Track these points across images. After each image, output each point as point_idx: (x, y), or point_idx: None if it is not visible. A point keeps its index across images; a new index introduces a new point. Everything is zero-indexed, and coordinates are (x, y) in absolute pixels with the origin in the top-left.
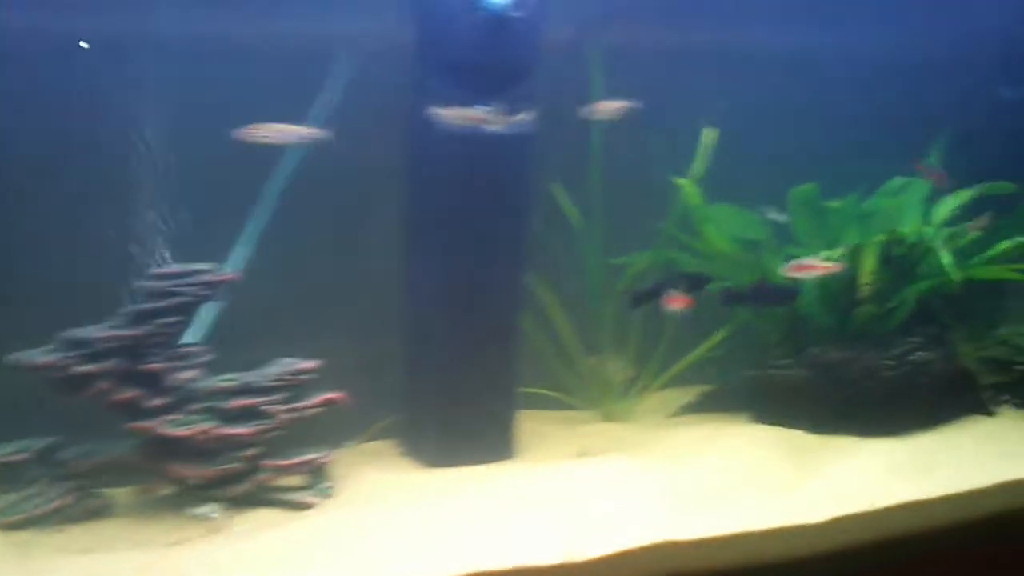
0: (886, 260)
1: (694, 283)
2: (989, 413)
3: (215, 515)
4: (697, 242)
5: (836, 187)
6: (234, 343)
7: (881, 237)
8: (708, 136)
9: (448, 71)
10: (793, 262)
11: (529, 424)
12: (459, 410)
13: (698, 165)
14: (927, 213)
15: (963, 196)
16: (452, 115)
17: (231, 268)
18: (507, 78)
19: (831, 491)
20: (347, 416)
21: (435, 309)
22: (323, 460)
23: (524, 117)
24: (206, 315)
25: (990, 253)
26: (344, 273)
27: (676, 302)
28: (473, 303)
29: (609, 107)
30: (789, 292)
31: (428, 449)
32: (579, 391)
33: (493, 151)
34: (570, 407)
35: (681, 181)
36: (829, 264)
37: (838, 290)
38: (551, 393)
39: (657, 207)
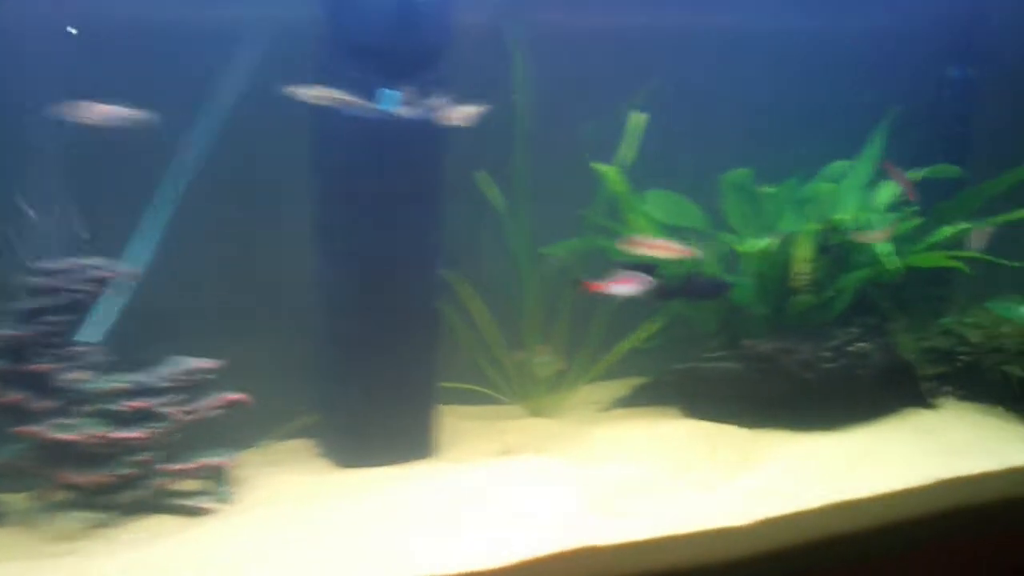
0: (822, 248)
1: (710, 288)
2: (930, 405)
3: (108, 523)
4: (625, 230)
5: (778, 171)
6: (135, 342)
7: (814, 226)
8: (636, 120)
9: (352, 54)
10: (634, 238)
11: (452, 420)
12: (374, 408)
13: (626, 150)
14: (868, 198)
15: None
16: (317, 95)
17: (128, 263)
18: (416, 61)
19: (759, 490)
20: (266, 413)
21: (346, 302)
22: (223, 464)
23: (436, 102)
24: (104, 313)
25: (931, 239)
26: (255, 266)
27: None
28: (386, 296)
29: (465, 113)
30: (720, 286)
31: (343, 449)
32: (506, 385)
33: (403, 138)
34: (497, 402)
35: (603, 168)
36: (677, 247)
37: (774, 279)
38: (476, 388)
39: (588, 194)
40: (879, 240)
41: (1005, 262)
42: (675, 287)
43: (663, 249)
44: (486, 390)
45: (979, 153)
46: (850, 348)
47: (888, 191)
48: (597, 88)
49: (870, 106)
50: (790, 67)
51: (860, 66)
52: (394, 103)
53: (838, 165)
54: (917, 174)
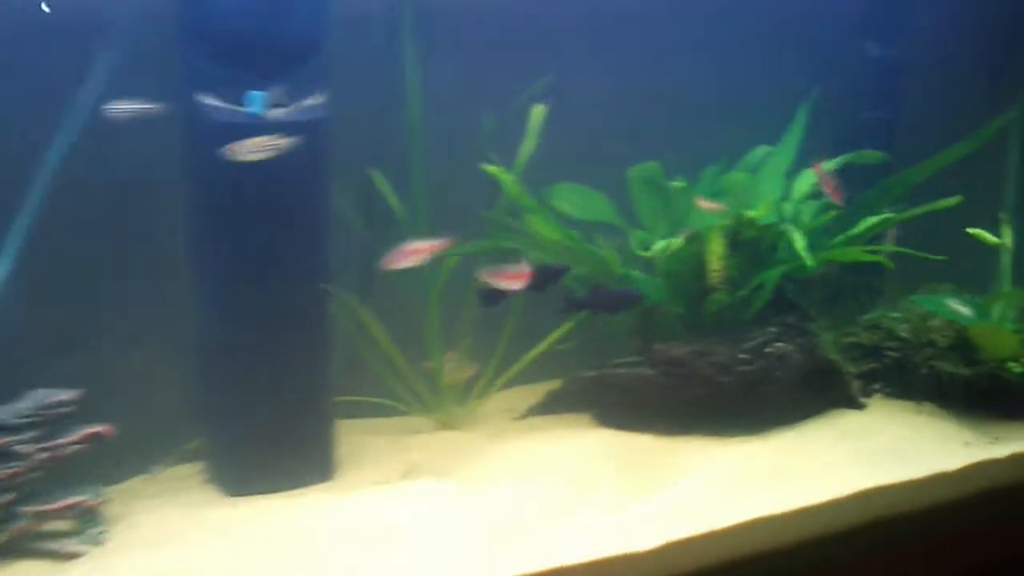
0: (735, 244)
1: (549, 274)
2: (858, 405)
3: None
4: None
5: (697, 159)
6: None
7: (721, 222)
8: (537, 113)
9: (218, 50)
10: (401, 249)
11: (356, 437)
12: (262, 428)
13: (527, 145)
14: (787, 188)
15: (825, 167)
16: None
17: None
18: (289, 56)
19: (671, 508)
20: (154, 437)
21: (225, 315)
22: (90, 502)
23: (313, 101)
24: None
25: (854, 231)
26: (136, 282)
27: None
28: (269, 309)
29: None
30: (627, 297)
31: (232, 475)
32: (414, 396)
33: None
34: (406, 414)
35: (493, 169)
36: (432, 243)
37: (686, 277)
38: (382, 400)
39: (489, 192)
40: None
41: (927, 256)
42: (580, 300)
43: (421, 252)
44: (393, 403)
45: (906, 137)
46: (768, 349)
47: (808, 179)
48: (498, 78)
49: (792, 87)
50: (705, 48)
51: (780, 45)
52: (262, 105)
53: (759, 151)
54: (836, 161)
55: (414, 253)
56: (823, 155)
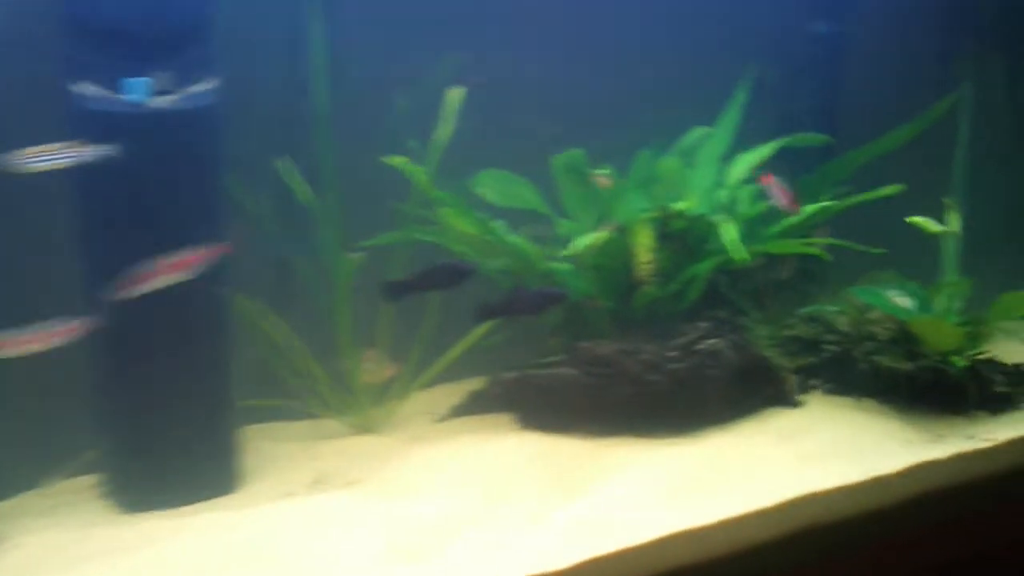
0: (664, 236)
1: (455, 273)
2: (795, 403)
3: None
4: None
5: (631, 143)
6: None
7: (647, 214)
8: (453, 96)
9: (93, 33)
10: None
11: (265, 444)
12: (157, 440)
13: (443, 130)
14: (723, 173)
15: (763, 151)
16: None
17: None
18: (174, 39)
19: (592, 520)
20: (51, 448)
21: (117, 318)
22: None
23: (202, 87)
24: None
25: (791, 220)
26: (25, 281)
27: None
28: (159, 312)
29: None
30: (551, 296)
31: (128, 489)
32: (328, 398)
33: (163, 131)
34: (320, 417)
35: (396, 160)
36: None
37: (613, 271)
38: (294, 404)
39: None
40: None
41: (864, 248)
42: (497, 305)
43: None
44: (305, 406)
45: (849, 119)
46: (699, 346)
47: (744, 163)
48: (418, 57)
49: (731, 66)
50: (639, 25)
51: (718, 22)
52: (143, 92)
53: (695, 133)
54: (774, 144)
55: (174, 267)
56: (769, 168)
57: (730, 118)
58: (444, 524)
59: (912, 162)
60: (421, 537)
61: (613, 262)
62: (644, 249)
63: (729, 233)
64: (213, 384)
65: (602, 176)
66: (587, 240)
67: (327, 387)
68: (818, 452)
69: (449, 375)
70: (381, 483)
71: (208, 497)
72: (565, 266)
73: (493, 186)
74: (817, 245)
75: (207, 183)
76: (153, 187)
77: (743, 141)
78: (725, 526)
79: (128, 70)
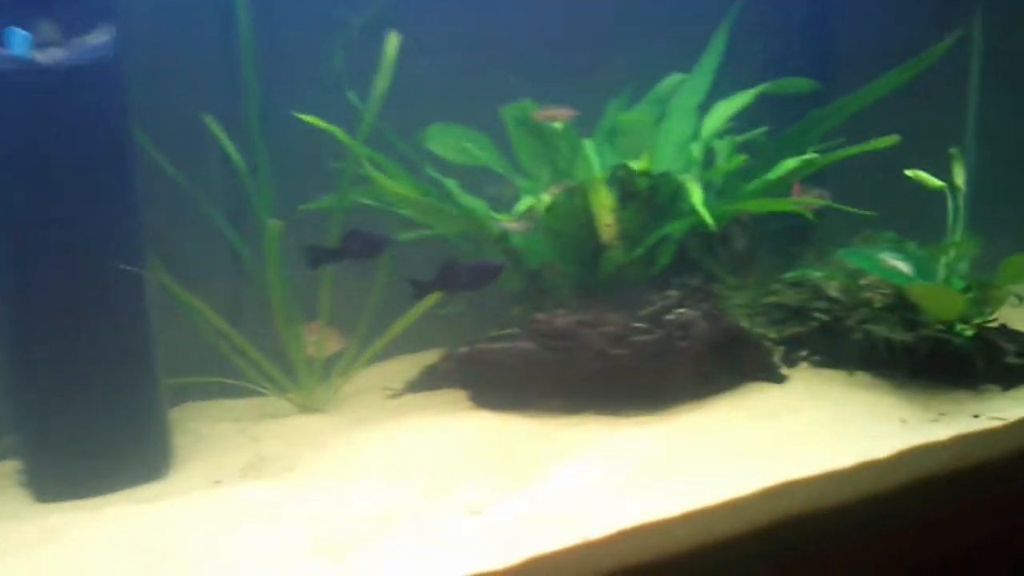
0: (630, 195)
1: (371, 243)
2: (778, 378)
3: None
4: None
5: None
6: None
7: (599, 174)
8: (391, 45)
9: None
10: None
11: (202, 425)
12: (74, 425)
13: (380, 81)
14: (700, 124)
15: (742, 99)
16: None
17: None
18: None
19: (541, 512)
20: None
21: (20, 299)
22: None
23: (97, 37)
24: None
25: (772, 175)
26: None
27: None
28: (69, 288)
29: None
30: (489, 268)
31: (46, 476)
32: (272, 375)
33: (53, 90)
34: (263, 395)
35: (310, 118)
36: None
37: (572, 235)
38: (237, 382)
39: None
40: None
41: (853, 210)
42: (430, 280)
43: None
44: (248, 384)
45: (843, 61)
46: (668, 316)
47: (722, 113)
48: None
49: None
50: None
51: None
52: (25, 45)
53: (672, 80)
54: (755, 91)
55: None
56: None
57: (707, 64)
58: (378, 515)
59: (921, 110)
60: (350, 531)
61: (571, 225)
62: (605, 210)
63: (695, 194)
64: (133, 365)
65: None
66: (530, 201)
67: (269, 364)
68: (801, 433)
69: (409, 346)
70: (318, 469)
71: (131, 484)
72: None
73: (445, 141)
74: (801, 204)
75: (111, 144)
76: (49, 150)
77: (725, 88)
78: (691, 518)
79: (7, 19)
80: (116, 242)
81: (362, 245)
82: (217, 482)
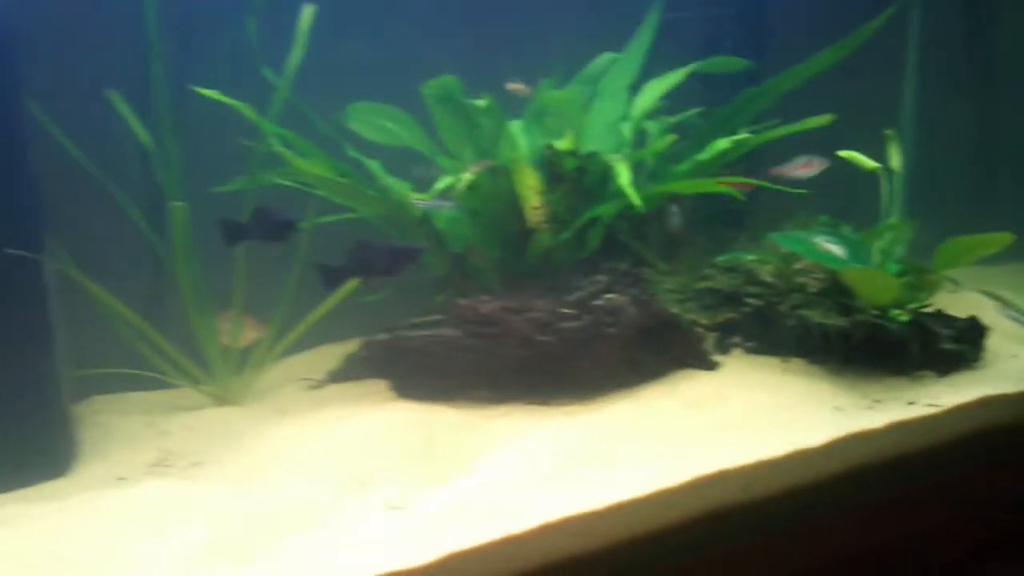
0: (555, 177)
1: (277, 224)
2: (710, 365)
3: None
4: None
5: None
6: None
7: (514, 154)
8: (306, 14)
9: None
10: None
11: (111, 418)
12: None
13: (295, 54)
14: (631, 104)
15: (673, 78)
16: None
17: None
18: None
19: (462, 506)
20: None
21: None
22: None
23: None
24: None
25: (703, 156)
26: None
27: None
28: None
29: None
30: (406, 252)
31: None
32: (184, 366)
33: None
34: (177, 387)
35: (210, 92)
36: None
37: (496, 217)
38: (148, 373)
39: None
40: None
41: (785, 189)
42: (341, 267)
43: None
44: (160, 375)
45: (777, 41)
46: (597, 301)
47: (652, 92)
48: None
49: None
50: None
51: None
52: None
53: (604, 59)
54: (686, 70)
55: None
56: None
57: (639, 43)
58: (290, 513)
59: (860, 93)
60: (258, 530)
61: (495, 206)
62: (531, 192)
63: (623, 174)
64: (30, 356)
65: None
66: (449, 180)
67: (179, 354)
68: (732, 421)
69: (334, 335)
70: (227, 464)
71: (30, 482)
72: (447, 211)
73: (367, 120)
74: (732, 185)
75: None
76: None
77: (660, 68)
78: (620, 510)
79: None
80: (6, 225)
81: (267, 226)
82: (121, 479)
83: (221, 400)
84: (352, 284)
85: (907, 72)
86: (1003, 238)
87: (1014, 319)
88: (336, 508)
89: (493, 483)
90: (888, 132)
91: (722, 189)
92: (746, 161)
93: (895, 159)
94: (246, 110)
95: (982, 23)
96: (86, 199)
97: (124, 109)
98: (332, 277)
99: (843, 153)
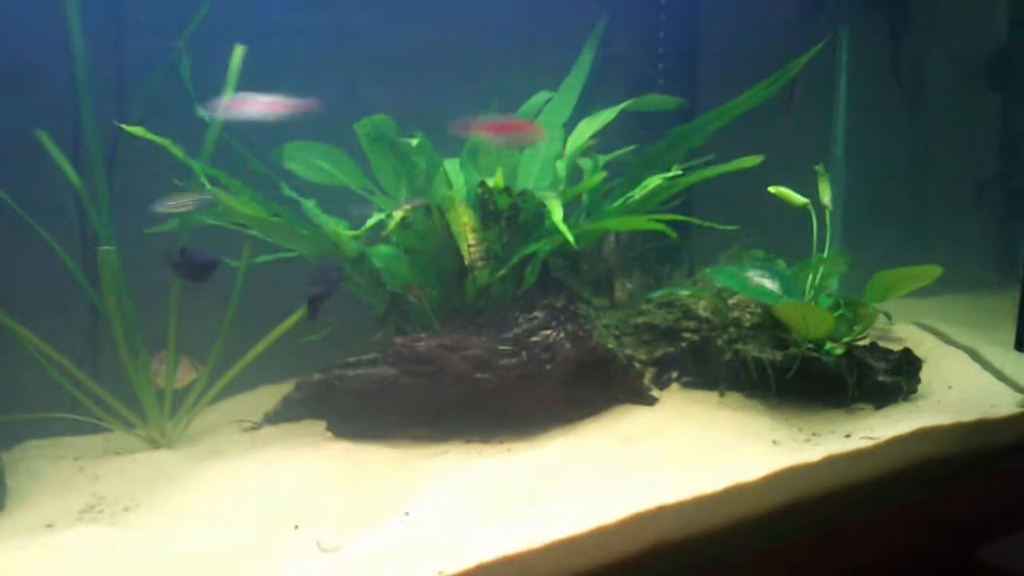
0: (490, 215)
1: (200, 264)
2: (647, 400)
3: None
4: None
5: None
6: None
7: (449, 192)
8: (237, 56)
9: None
10: None
11: (43, 464)
12: None
13: (228, 93)
14: (565, 142)
15: (605, 116)
16: None
17: None
18: None
19: (392, 547)
20: None
21: None
22: None
23: None
24: None
25: (636, 194)
26: None
27: None
28: None
29: None
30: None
31: None
32: (118, 409)
33: None
34: (111, 431)
35: (136, 129)
36: None
37: (437, 254)
38: (69, 416)
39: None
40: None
41: (717, 227)
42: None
43: None
44: (92, 419)
45: (709, 79)
46: (534, 338)
47: (586, 130)
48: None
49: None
50: None
51: None
52: None
53: (540, 98)
54: (618, 108)
55: None
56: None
57: (573, 82)
58: (221, 558)
59: (797, 129)
60: None
61: (431, 245)
62: (466, 229)
63: (555, 212)
64: None
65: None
66: (380, 216)
67: (112, 398)
68: (671, 457)
69: (274, 376)
70: (158, 509)
71: None
72: (384, 249)
73: (303, 160)
74: (661, 222)
75: None
76: None
77: (598, 106)
78: (556, 548)
79: None
80: None
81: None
82: (49, 526)
83: (155, 443)
84: (288, 324)
85: (836, 108)
86: (931, 271)
87: None
88: (268, 550)
89: (428, 522)
90: (817, 168)
91: (654, 227)
92: (680, 197)
93: (825, 194)
94: (174, 149)
95: (909, 56)
96: (14, 240)
97: (54, 150)
98: (315, 306)
99: (773, 189)
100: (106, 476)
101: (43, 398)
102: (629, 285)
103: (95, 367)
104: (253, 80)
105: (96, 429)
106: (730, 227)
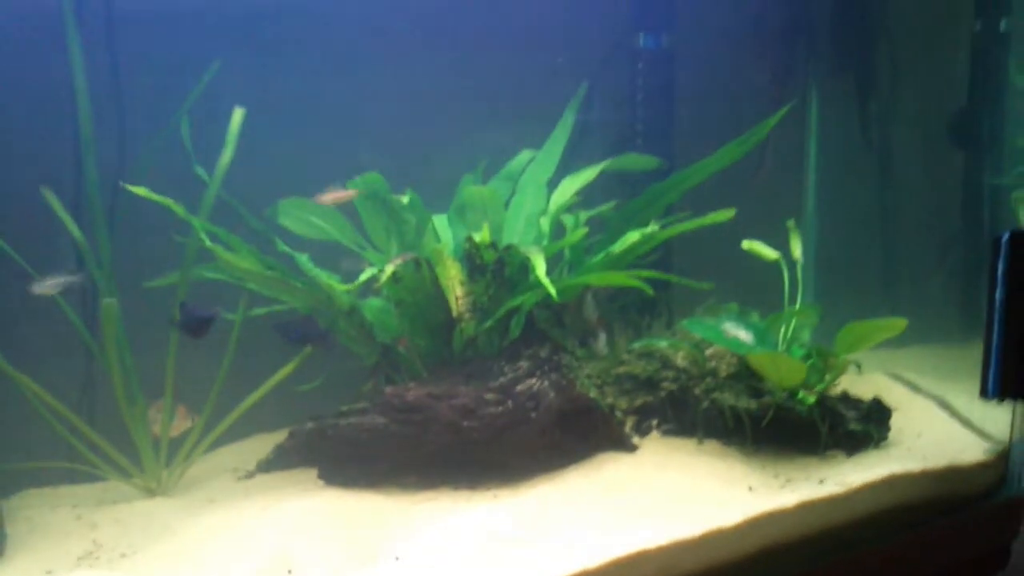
0: (477, 268)
1: (198, 319)
2: (630, 448)
3: None
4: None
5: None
6: None
7: (438, 247)
8: (236, 118)
9: None
10: None
11: (39, 512)
12: None
13: (225, 155)
14: (549, 199)
15: (587, 175)
16: None
17: None
18: None
19: None
20: None
21: None
22: None
23: None
24: None
25: (615, 248)
26: None
27: None
28: None
29: None
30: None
31: None
32: (114, 457)
33: None
34: (106, 479)
35: (139, 189)
36: None
37: (426, 306)
38: (67, 465)
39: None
40: None
41: (693, 284)
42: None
43: None
44: (89, 468)
45: (684, 138)
46: (519, 387)
47: (568, 187)
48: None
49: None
50: (463, 47)
51: (547, 43)
52: None
53: (524, 156)
54: (600, 167)
55: None
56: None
57: (556, 140)
58: None
59: (771, 185)
60: None
61: (420, 298)
62: (454, 282)
63: (539, 266)
64: None
65: (334, 194)
66: (372, 271)
67: (109, 446)
68: (651, 503)
69: (269, 425)
70: (154, 555)
71: None
72: (375, 302)
73: (297, 216)
74: (640, 278)
75: None
76: None
77: (580, 164)
78: None
79: None
80: None
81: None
82: (48, 572)
83: (151, 492)
84: (283, 372)
85: (807, 164)
86: (898, 323)
87: None
88: None
89: (417, 566)
90: (789, 223)
91: (631, 283)
92: (659, 251)
93: (796, 248)
94: (175, 207)
95: (877, 117)
96: (15, 290)
97: (59, 208)
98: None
99: (746, 245)
100: (103, 524)
101: (42, 447)
102: (608, 336)
103: (92, 415)
104: (249, 142)
105: (93, 478)
106: (705, 285)
